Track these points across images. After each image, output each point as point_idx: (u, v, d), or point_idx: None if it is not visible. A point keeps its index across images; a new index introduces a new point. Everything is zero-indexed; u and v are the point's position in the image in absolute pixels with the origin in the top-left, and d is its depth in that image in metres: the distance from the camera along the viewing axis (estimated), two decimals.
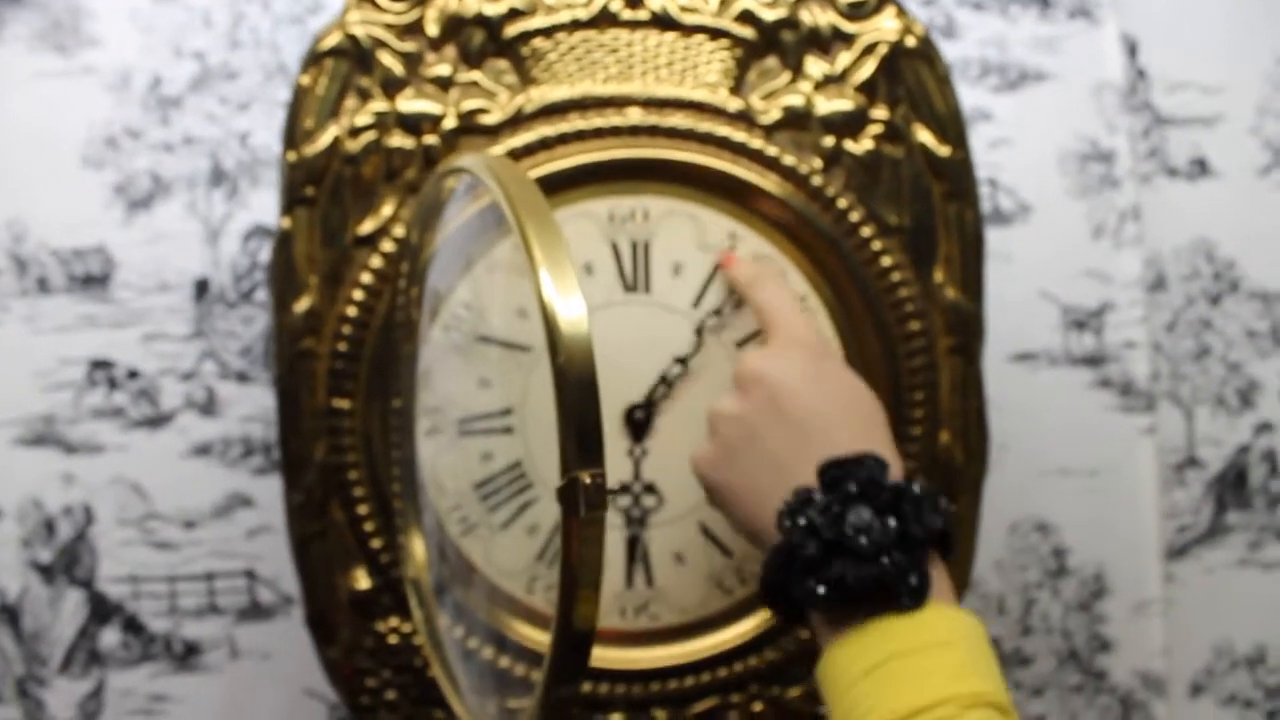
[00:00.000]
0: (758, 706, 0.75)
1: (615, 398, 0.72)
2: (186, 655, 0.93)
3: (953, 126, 0.75)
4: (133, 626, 0.93)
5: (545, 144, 0.72)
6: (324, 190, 0.71)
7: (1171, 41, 1.01)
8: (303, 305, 0.71)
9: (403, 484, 0.69)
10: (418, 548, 0.69)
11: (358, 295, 0.71)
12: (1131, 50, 1.01)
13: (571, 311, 0.45)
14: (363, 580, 0.72)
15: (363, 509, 0.71)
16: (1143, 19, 1.01)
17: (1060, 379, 1.00)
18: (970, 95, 0.99)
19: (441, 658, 0.66)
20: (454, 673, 0.65)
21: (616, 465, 0.72)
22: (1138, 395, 1.01)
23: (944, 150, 0.74)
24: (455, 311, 0.72)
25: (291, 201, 0.71)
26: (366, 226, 0.72)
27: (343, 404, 0.71)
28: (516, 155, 0.71)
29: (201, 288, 0.94)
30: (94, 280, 0.93)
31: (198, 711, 0.93)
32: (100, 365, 0.93)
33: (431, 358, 0.69)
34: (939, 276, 0.75)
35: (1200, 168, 1.03)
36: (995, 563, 1.00)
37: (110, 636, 0.93)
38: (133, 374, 0.93)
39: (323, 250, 0.72)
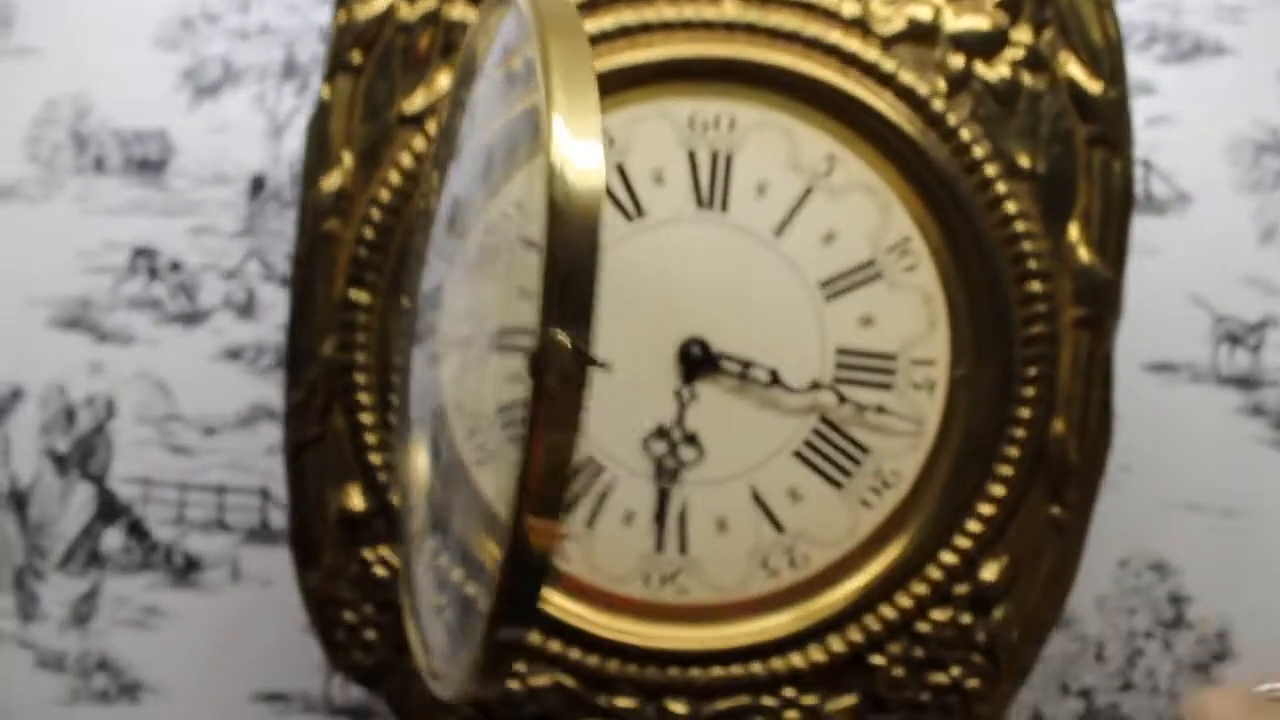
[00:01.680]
0: (791, 715, 0.64)
1: (672, 326, 0.62)
2: (187, 570, 0.86)
3: (1109, 60, 0.62)
4: (137, 531, 0.86)
5: (625, 31, 0.62)
6: (372, 59, 0.63)
7: None
8: (332, 183, 0.63)
9: (401, 396, 0.60)
10: (419, 465, 0.59)
11: (394, 178, 0.63)
12: None
13: (584, 129, 0.35)
14: (356, 499, 0.64)
15: (366, 418, 0.63)
16: None
17: (1203, 398, 0.86)
18: (1133, 64, 0.86)
19: (412, 599, 0.56)
20: (421, 617, 0.55)
21: (659, 403, 0.62)
22: None
23: (1095, 86, 0.62)
24: (504, 210, 0.63)
25: (335, 68, 0.63)
26: (415, 103, 0.63)
27: (361, 296, 0.63)
28: (593, 42, 0.62)
29: (258, 184, 0.87)
30: (150, 165, 0.88)
31: (190, 630, 0.86)
32: (144, 253, 0.87)
33: (442, 271, 0.59)
34: (1074, 234, 0.62)
35: None
36: (1098, 599, 0.86)
37: (113, 538, 0.87)
38: (175, 266, 0.87)
39: (362, 126, 0.64)
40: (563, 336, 0.32)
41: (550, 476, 0.33)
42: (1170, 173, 0.86)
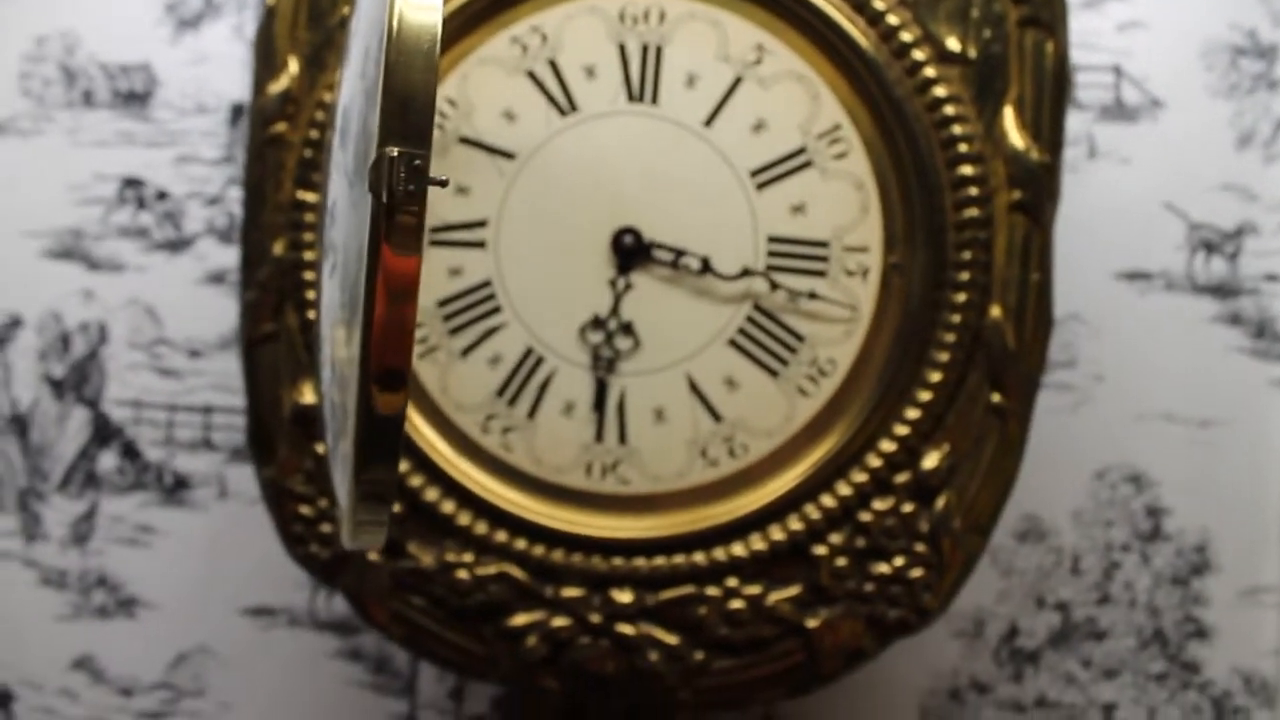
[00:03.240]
0: (735, 604, 0.65)
1: (605, 217, 0.63)
2: (176, 488, 0.89)
3: None
4: (130, 452, 0.90)
5: None
6: None
7: None
8: (278, 86, 0.65)
9: (315, 288, 0.62)
10: (337, 335, 0.61)
11: (338, 80, 0.65)
12: None
13: None
14: (308, 394, 0.66)
15: (316, 314, 0.65)
16: None
17: (1177, 307, 0.84)
18: None
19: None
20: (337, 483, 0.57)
21: (595, 293, 0.63)
22: (1275, 339, 0.84)
23: None
24: (440, 108, 0.64)
25: None
26: None
27: (308, 196, 0.65)
28: None
29: (237, 112, 0.90)
30: (136, 97, 0.91)
31: (181, 546, 0.89)
32: (132, 183, 0.90)
33: (336, 183, 0.60)
34: (1007, 118, 0.62)
35: None
36: (1074, 512, 0.85)
37: (108, 460, 0.90)
38: (161, 195, 0.90)
39: (307, 31, 0.66)
40: (396, 151, 0.33)
41: (395, 281, 0.33)
42: (1142, 79, 0.85)
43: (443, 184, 0.34)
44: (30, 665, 0.90)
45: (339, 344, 0.55)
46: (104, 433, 0.90)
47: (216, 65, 0.90)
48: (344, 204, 0.45)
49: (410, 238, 0.34)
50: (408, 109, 0.34)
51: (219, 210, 0.90)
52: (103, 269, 0.90)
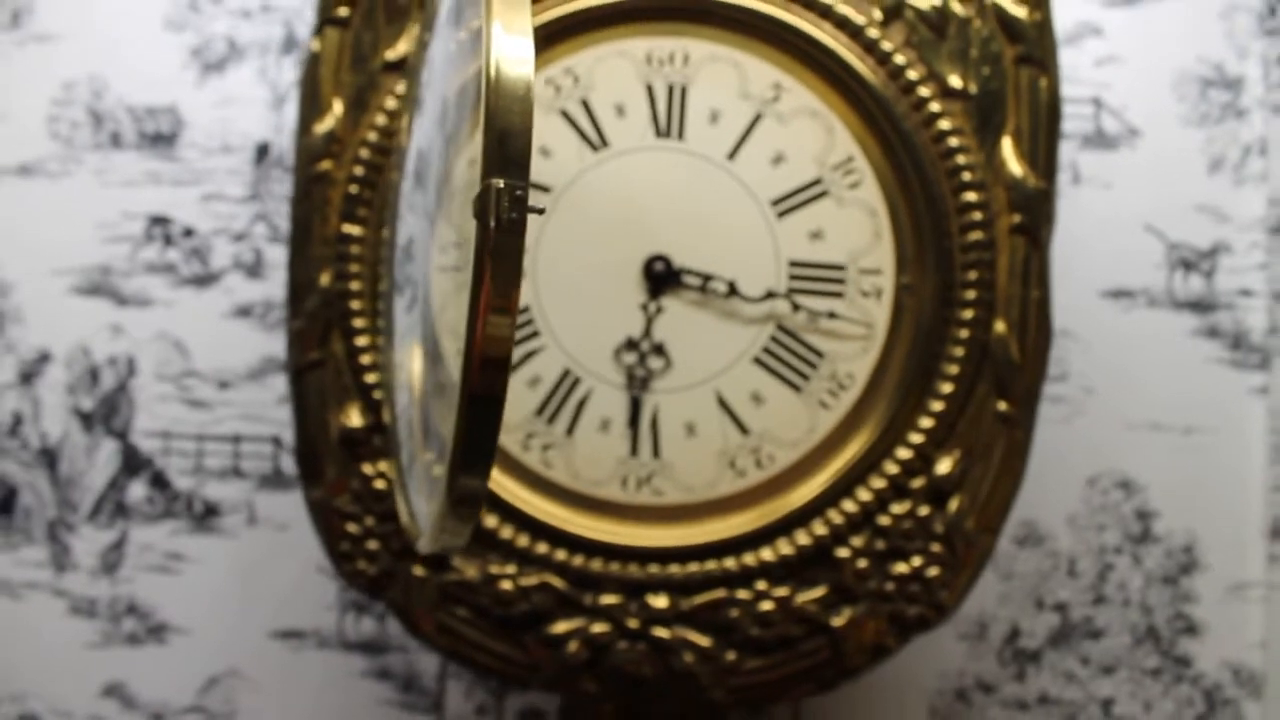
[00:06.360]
0: (766, 606, 0.68)
1: (636, 246, 0.67)
2: (206, 515, 0.92)
3: None
4: (159, 482, 0.92)
5: None
6: (358, 11, 0.69)
7: None
8: (324, 127, 0.69)
9: (385, 318, 0.66)
10: (415, 364, 0.64)
11: (380, 120, 0.69)
12: None
13: (515, 27, 0.40)
14: (355, 417, 0.69)
15: (362, 340, 0.69)
16: None
17: (1160, 322, 0.90)
18: (1080, 7, 0.91)
19: (400, 475, 0.61)
20: (409, 490, 0.60)
21: (628, 317, 0.67)
22: (1251, 350, 0.90)
23: (1020, 10, 0.67)
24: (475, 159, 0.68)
25: (323, 21, 0.70)
26: (397, 50, 0.69)
27: (353, 230, 0.69)
28: None
29: (262, 152, 0.94)
30: (163, 139, 0.94)
31: (211, 573, 0.92)
32: (159, 221, 0.94)
33: (413, 224, 0.64)
34: (1006, 148, 0.67)
35: None
36: (1069, 517, 0.90)
37: (137, 490, 0.93)
38: (188, 232, 0.94)
39: (350, 74, 0.70)
40: (501, 183, 0.37)
41: (498, 300, 0.37)
42: (1120, 109, 0.91)
43: (540, 212, 0.38)
44: (60, 693, 0.92)
45: (415, 370, 0.59)
46: (133, 463, 0.93)
47: (241, 107, 0.94)
48: (423, 241, 0.48)
49: (514, 252, 0.38)
50: (506, 145, 0.38)
51: (245, 246, 0.93)
52: (131, 304, 0.93)
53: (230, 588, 0.92)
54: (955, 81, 0.67)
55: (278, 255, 0.92)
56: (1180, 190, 0.90)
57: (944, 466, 0.68)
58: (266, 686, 0.92)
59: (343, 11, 0.69)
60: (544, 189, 0.68)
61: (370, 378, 0.69)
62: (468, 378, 0.39)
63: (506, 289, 0.38)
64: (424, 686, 0.91)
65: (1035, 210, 0.67)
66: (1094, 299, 0.90)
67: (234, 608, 0.92)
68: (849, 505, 0.68)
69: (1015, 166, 0.67)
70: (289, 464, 0.91)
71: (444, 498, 0.44)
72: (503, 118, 0.38)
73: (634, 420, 0.68)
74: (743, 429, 0.68)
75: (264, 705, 0.92)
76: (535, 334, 0.68)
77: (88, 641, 0.93)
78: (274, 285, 0.92)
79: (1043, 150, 0.67)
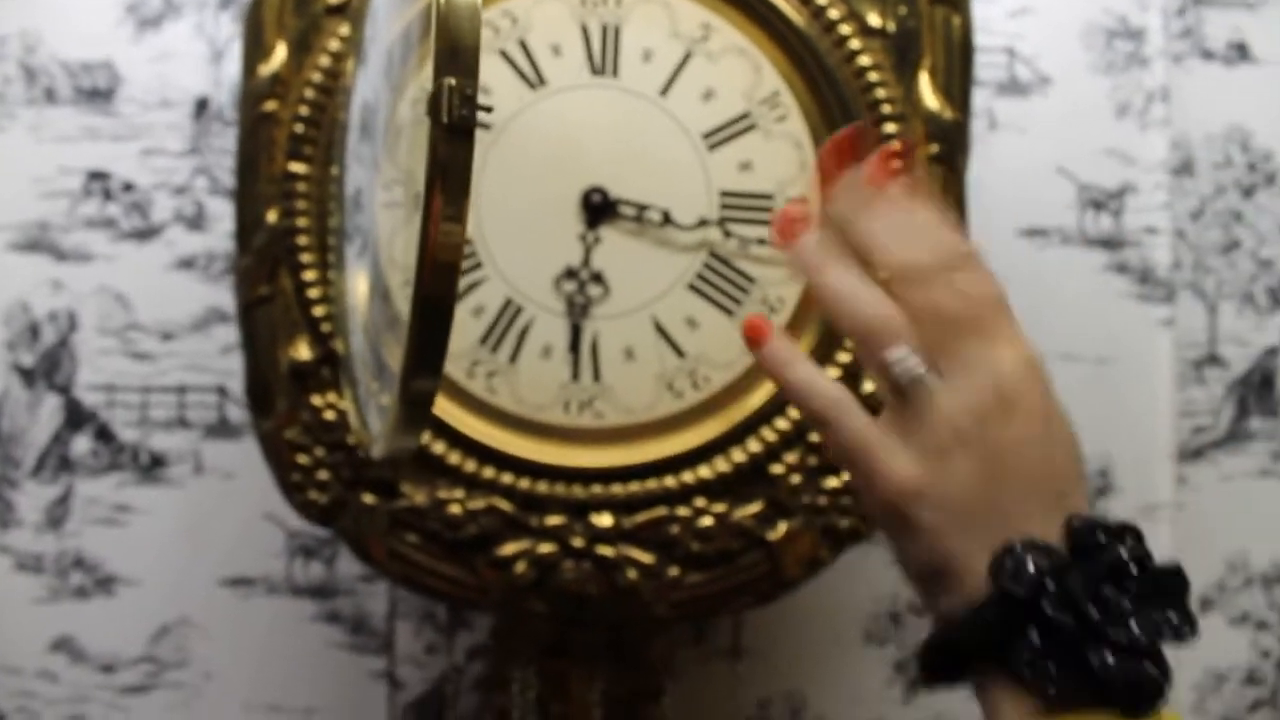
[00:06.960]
0: (705, 522, 0.72)
1: (574, 179, 0.70)
2: (152, 466, 0.93)
3: None
4: (104, 435, 0.93)
5: None
6: None
7: None
8: (269, 69, 0.71)
9: (336, 259, 0.68)
10: (365, 304, 0.67)
11: (324, 62, 0.71)
12: None
13: None
14: (304, 350, 0.71)
15: (309, 275, 0.70)
16: None
17: (1072, 259, 0.95)
18: None
19: (354, 390, 0.64)
20: (361, 404, 0.63)
21: (567, 247, 0.70)
22: (1157, 284, 0.96)
23: None
24: (423, 85, 0.70)
25: None
26: None
27: (299, 168, 0.70)
28: None
29: (201, 106, 0.95)
30: (99, 94, 0.95)
31: (159, 524, 0.93)
32: (97, 176, 0.94)
33: (360, 175, 0.66)
34: (923, 83, 0.71)
35: (1240, 52, 0.97)
36: None
37: (81, 444, 0.93)
38: (128, 186, 0.94)
39: (293, 17, 0.71)
40: (452, 81, 0.40)
41: (449, 209, 0.40)
42: (1032, 58, 0.96)
43: (489, 110, 0.41)
44: (7, 650, 0.93)
45: (363, 307, 0.61)
46: (76, 417, 0.93)
47: (179, 62, 0.94)
48: (369, 189, 0.50)
49: (464, 150, 0.40)
50: (458, 55, 0.41)
51: (186, 199, 0.94)
52: (71, 259, 0.94)
53: (178, 537, 0.93)
54: (874, 20, 0.71)
55: (220, 208, 0.93)
56: (1089, 135, 0.96)
57: (870, 385, 0.72)
58: (217, 634, 0.93)
59: None
60: (484, 126, 0.70)
61: (318, 310, 0.71)
62: (420, 280, 0.42)
63: (458, 195, 0.40)
64: (373, 628, 0.93)
65: (952, 141, 0.71)
66: (1011, 238, 0.95)
67: (183, 557, 0.93)
68: (782, 423, 0.71)
69: (932, 100, 0.71)
70: (235, 413, 0.93)
71: (396, 399, 0.46)
72: (454, 33, 0.41)
73: (575, 346, 0.71)
74: (679, 352, 0.71)
75: (215, 652, 0.93)
76: (478, 265, 0.70)
77: (35, 597, 0.93)
78: (216, 237, 0.93)
79: (957, 85, 0.71)
